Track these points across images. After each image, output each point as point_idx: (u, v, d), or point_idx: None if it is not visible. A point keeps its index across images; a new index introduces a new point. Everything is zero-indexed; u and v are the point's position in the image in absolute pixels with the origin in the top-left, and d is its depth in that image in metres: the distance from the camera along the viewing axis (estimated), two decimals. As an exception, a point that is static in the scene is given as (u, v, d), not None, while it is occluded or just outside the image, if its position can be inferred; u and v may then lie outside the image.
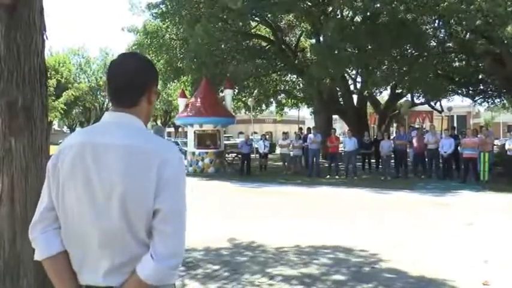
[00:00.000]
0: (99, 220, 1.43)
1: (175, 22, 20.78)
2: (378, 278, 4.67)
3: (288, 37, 25.05)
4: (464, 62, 21.96)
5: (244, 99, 28.61)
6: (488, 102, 27.32)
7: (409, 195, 11.24)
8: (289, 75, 27.40)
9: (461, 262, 5.23)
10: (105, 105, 43.60)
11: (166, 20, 21.20)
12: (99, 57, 45.48)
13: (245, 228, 7.12)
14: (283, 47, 23.20)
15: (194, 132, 18.32)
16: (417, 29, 16.55)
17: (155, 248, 1.40)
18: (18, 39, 2.66)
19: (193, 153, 18.19)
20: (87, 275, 1.47)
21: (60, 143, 1.63)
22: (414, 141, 15.41)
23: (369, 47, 17.65)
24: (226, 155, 20.03)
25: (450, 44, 19.86)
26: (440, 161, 14.88)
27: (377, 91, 26.50)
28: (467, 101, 32.23)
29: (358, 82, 23.84)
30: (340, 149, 17.95)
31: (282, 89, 28.30)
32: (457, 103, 36.52)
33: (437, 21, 18.29)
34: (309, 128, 19.94)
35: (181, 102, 19.66)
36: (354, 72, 23.66)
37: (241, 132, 38.63)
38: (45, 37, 2.85)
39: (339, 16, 19.48)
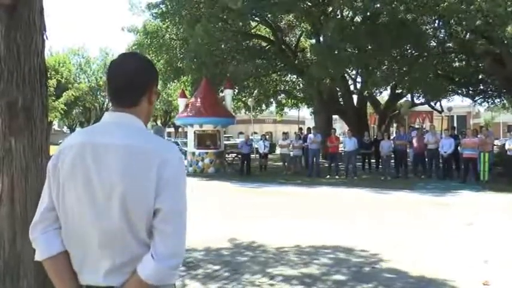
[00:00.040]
0: (99, 220, 1.43)
1: (175, 22, 20.79)
2: (378, 278, 4.67)
3: (288, 37, 25.06)
4: (464, 62, 21.96)
5: (244, 99, 28.62)
6: (488, 102, 27.32)
7: (409, 195, 11.24)
8: (289, 76, 27.41)
9: (461, 262, 5.23)
10: (105, 105, 43.60)
11: (166, 20, 21.20)
12: (99, 57, 45.51)
13: (245, 228, 7.12)
14: (283, 47, 23.20)
15: (194, 133, 18.32)
16: (417, 29, 16.56)
17: (156, 248, 1.40)
18: (18, 39, 2.67)
19: (193, 154, 18.19)
20: (88, 275, 1.47)
21: (60, 143, 1.63)
22: (414, 141, 15.41)
23: (369, 47, 17.65)
24: (226, 155, 20.03)
25: (450, 44, 19.86)
26: (440, 161, 14.88)
27: (377, 91, 26.50)
28: (467, 101, 32.28)
29: (358, 82, 23.85)
30: (340, 149, 17.95)
31: (282, 89, 28.30)
32: (457, 103, 36.55)
33: (437, 21, 18.29)
34: (309, 128, 19.94)
35: (181, 103, 19.66)
36: (354, 72, 23.66)
37: (241, 133, 38.63)
38: (45, 37, 2.85)
39: (339, 16, 19.47)
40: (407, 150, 15.90)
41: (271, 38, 23.40)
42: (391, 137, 18.05)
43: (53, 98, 23.93)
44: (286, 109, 34.02)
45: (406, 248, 5.89)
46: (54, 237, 1.51)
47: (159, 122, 47.15)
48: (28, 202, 2.66)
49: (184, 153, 17.90)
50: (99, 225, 1.43)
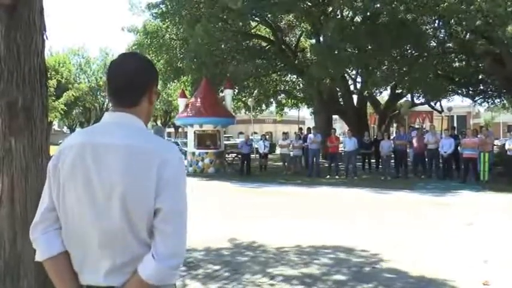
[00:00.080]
0: (99, 220, 1.43)
1: (175, 22, 20.79)
2: (378, 278, 4.67)
3: (288, 37, 25.06)
4: (464, 62, 21.97)
5: (244, 99, 28.62)
6: (488, 102, 27.32)
7: (409, 195, 11.24)
8: (289, 76, 27.41)
9: (461, 262, 5.23)
10: (105, 105, 43.61)
11: (166, 20, 21.20)
12: (99, 58, 45.54)
13: (245, 228, 7.12)
14: (283, 47, 23.20)
15: (194, 133, 18.32)
16: (417, 29, 16.56)
17: (156, 247, 1.40)
18: (18, 39, 2.67)
19: (193, 154, 18.19)
20: (88, 275, 1.47)
21: (60, 143, 1.63)
22: (414, 141, 15.42)
23: (369, 47, 17.65)
24: (226, 155, 20.04)
25: (450, 44, 19.86)
26: (440, 161, 14.88)
27: (377, 91, 26.51)
28: (467, 101, 32.28)
29: (358, 82, 23.85)
30: (340, 149, 17.95)
31: (282, 89, 28.30)
32: (457, 103, 36.57)
33: (437, 21, 18.29)
34: (309, 128, 19.95)
35: (181, 103, 19.66)
36: (354, 72, 23.66)
37: (241, 133, 38.63)
38: (45, 37, 2.85)
39: (339, 16, 19.47)
40: (407, 150, 15.90)
41: (271, 38, 23.40)
42: (391, 137, 18.06)
43: (53, 98, 23.94)
44: (286, 109, 34.02)
45: (406, 248, 5.89)
46: (54, 238, 1.51)
47: (159, 122, 47.16)
48: (28, 202, 2.66)
49: (184, 153, 17.90)
50: (99, 225, 1.43)
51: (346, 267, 5.03)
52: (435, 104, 28.11)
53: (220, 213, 8.63)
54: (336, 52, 16.50)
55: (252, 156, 19.69)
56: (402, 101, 26.13)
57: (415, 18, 16.44)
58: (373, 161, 17.40)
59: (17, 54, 2.66)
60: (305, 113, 47.10)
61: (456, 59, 22.23)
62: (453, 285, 4.44)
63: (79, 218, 1.46)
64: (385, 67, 20.08)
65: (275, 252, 5.70)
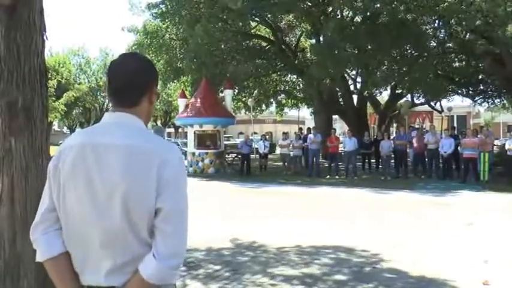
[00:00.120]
0: (100, 220, 1.43)
1: (175, 22, 20.79)
2: (379, 278, 4.67)
3: (288, 37, 25.06)
4: (464, 62, 21.97)
5: (244, 99, 28.62)
6: (488, 102, 27.32)
7: (409, 195, 11.24)
8: (289, 76, 27.42)
9: (461, 262, 5.23)
10: (105, 105, 43.61)
11: (166, 20, 21.20)
12: (99, 58, 45.54)
13: (246, 228, 7.12)
14: (283, 47, 23.20)
15: (194, 133, 18.32)
16: (417, 29, 16.56)
17: (157, 247, 1.41)
18: (18, 39, 2.67)
19: (193, 154, 18.18)
20: (89, 276, 1.47)
21: (61, 143, 1.63)
22: (414, 141, 15.42)
23: (369, 47, 17.66)
24: (226, 156, 20.04)
25: (450, 44, 19.87)
26: (440, 161, 14.88)
27: (377, 91, 26.51)
28: (467, 101, 32.29)
29: (358, 82, 23.86)
30: (340, 149, 17.95)
31: (282, 89, 28.30)
32: (457, 103, 36.57)
33: (437, 21, 18.30)
34: (309, 128, 19.95)
35: (181, 103, 19.66)
36: (353, 72, 23.67)
37: (241, 133, 38.62)
38: (45, 37, 2.85)
39: (339, 16, 19.48)
40: (407, 150, 15.90)
41: (271, 38, 23.40)
42: (391, 137, 18.06)
43: (53, 98, 23.96)
44: (286, 109, 34.02)
45: (406, 248, 5.89)
46: (55, 238, 1.51)
47: (159, 122, 47.16)
48: (28, 202, 2.66)
49: (185, 153, 17.90)
50: (100, 225, 1.43)
51: (347, 267, 5.03)
52: (435, 104, 28.12)
53: (221, 213, 8.63)
54: (336, 52, 16.49)
55: (252, 156, 19.69)
56: (402, 101, 26.13)
57: (415, 18, 16.45)
58: (373, 161, 17.39)
59: (17, 55, 2.66)
60: (305, 113, 47.15)
61: (456, 59, 22.23)
62: (453, 285, 4.44)
63: (79, 218, 1.46)
64: (385, 67, 20.08)
65: (275, 252, 5.70)
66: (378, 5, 15.79)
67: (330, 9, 19.55)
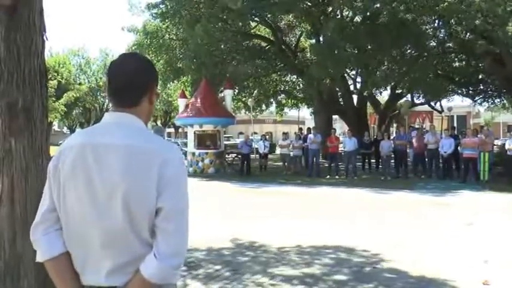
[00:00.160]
0: (100, 220, 1.43)
1: (175, 22, 20.79)
2: (379, 278, 4.68)
3: (287, 37, 25.05)
4: (464, 62, 21.97)
5: (244, 99, 28.63)
6: (488, 102, 27.32)
7: (409, 195, 11.24)
8: (289, 76, 27.42)
9: (461, 262, 5.24)
10: (105, 106, 43.62)
11: (166, 20, 21.20)
12: (99, 58, 45.56)
13: (246, 228, 7.12)
14: (283, 47, 23.20)
15: (194, 133, 18.32)
16: (417, 29, 16.55)
17: (158, 246, 1.41)
18: (18, 40, 2.67)
19: (193, 154, 18.19)
20: (90, 276, 1.47)
21: (60, 143, 1.63)
22: (414, 141, 15.42)
23: (369, 47, 17.65)
24: (226, 156, 20.04)
25: (450, 44, 19.86)
26: (440, 161, 14.89)
27: (377, 91, 26.51)
28: (467, 101, 32.29)
29: (358, 82, 23.85)
30: (340, 149, 17.95)
31: (282, 89, 28.31)
32: (457, 103, 36.57)
33: (437, 21, 18.28)
34: (309, 128, 19.95)
35: (181, 103, 19.67)
36: (353, 72, 23.66)
37: (241, 133, 38.61)
38: (45, 38, 2.85)
39: (339, 16, 19.48)
40: (407, 150, 15.90)
41: (271, 38, 23.40)
42: (391, 137, 18.06)
43: (53, 99, 23.96)
44: (286, 109, 34.03)
45: (406, 248, 5.89)
46: (55, 238, 1.51)
47: (159, 122, 47.15)
48: (28, 203, 2.66)
49: (185, 153, 17.90)
50: (100, 225, 1.43)
51: (347, 267, 5.03)
52: (435, 104, 28.13)
53: (221, 213, 8.63)
54: (336, 52, 16.50)
55: (252, 156, 19.69)
56: (402, 101, 26.13)
57: (415, 18, 16.42)
58: (373, 161, 17.39)
59: (17, 55, 2.66)
60: (305, 113, 47.19)
61: (456, 59, 22.23)
62: (453, 285, 4.45)
63: (80, 218, 1.46)
64: (385, 67, 20.08)
65: (276, 252, 5.71)
66: (378, 5, 15.78)
67: (330, 9, 19.55)
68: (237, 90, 24.45)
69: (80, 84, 40.14)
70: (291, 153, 17.67)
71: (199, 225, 6.25)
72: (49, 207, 1.53)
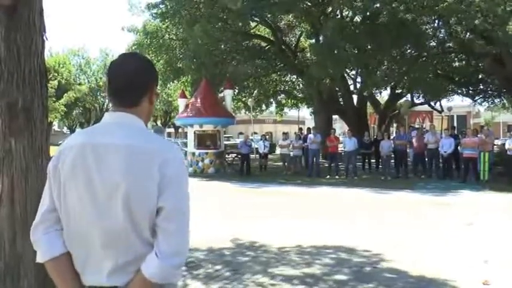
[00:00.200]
0: (101, 220, 1.43)
1: (175, 22, 20.79)
2: (379, 278, 4.68)
3: (287, 37, 25.05)
4: (464, 62, 21.98)
5: (244, 99, 28.63)
6: (488, 102, 27.35)
7: (409, 195, 11.24)
8: (289, 76, 27.43)
9: (461, 262, 5.23)
10: (105, 106, 43.63)
11: (166, 20, 21.20)
12: (99, 58, 45.60)
13: (246, 228, 7.12)
14: (283, 47, 23.20)
15: (194, 133, 18.32)
16: (417, 29, 16.55)
17: (159, 246, 1.41)
18: (18, 40, 2.67)
19: (193, 154, 18.18)
20: (91, 276, 1.47)
21: (61, 143, 1.63)
22: (414, 141, 15.42)
23: (369, 47, 17.66)
24: (226, 156, 20.04)
25: (450, 44, 19.87)
26: (440, 160, 14.88)
27: (377, 91, 26.53)
28: (467, 101, 32.33)
29: (358, 82, 23.85)
30: (340, 149, 17.96)
31: (282, 89, 28.32)
32: (457, 103, 36.61)
33: (437, 21, 18.29)
34: (308, 128, 19.95)
35: (181, 103, 19.67)
36: (353, 72, 23.67)
37: (241, 133, 38.60)
38: (45, 38, 2.85)
39: (339, 16, 19.48)
40: (407, 150, 15.90)
41: (271, 38, 23.40)
42: (391, 137, 18.06)
43: (54, 99, 23.98)
44: (286, 109, 34.04)
45: (407, 248, 5.89)
46: (56, 239, 1.51)
47: (159, 123, 47.17)
48: (28, 203, 2.66)
49: (185, 153, 17.89)
50: (101, 225, 1.43)
51: (347, 267, 5.03)
52: (435, 104, 28.14)
53: (221, 214, 8.63)
54: (336, 52, 16.49)
55: (252, 156, 19.69)
56: (402, 101, 26.15)
57: (415, 18, 16.42)
58: (373, 161, 17.39)
59: (17, 55, 2.66)
60: (305, 113, 47.19)
61: (456, 59, 22.24)
62: (453, 285, 4.44)
63: (80, 218, 1.46)
64: (384, 67, 20.08)
65: (276, 252, 5.70)
66: (378, 5, 15.79)
67: (330, 9, 19.55)
68: (237, 90, 24.46)
69: (80, 84, 40.19)
70: (291, 153, 17.67)
71: (199, 225, 6.25)
72: (49, 208, 1.52)
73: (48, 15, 2.89)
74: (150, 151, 1.45)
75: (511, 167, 13.33)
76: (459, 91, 26.03)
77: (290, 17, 22.97)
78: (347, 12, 19.90)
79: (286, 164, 17.88)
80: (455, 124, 32.30)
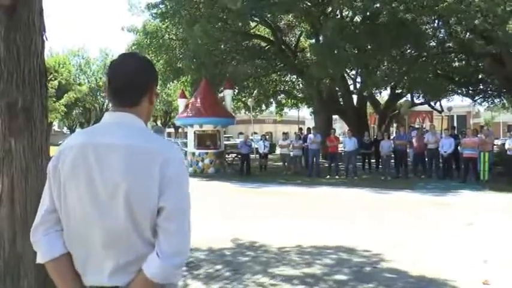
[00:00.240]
0: (102, 219, 1.43)
1: (175, 22, 20.79)
2: (379, 278, 4.68)
3: (287, 37, 25.05)
4: (464, 62, 21.98)
5: (244, 99, 28.62)
6: (488, 102, 27.34)
7: (409, 195, 11.24)
8: (289, 76, 27.43)
9: (461, 262, 5.23)
10: (105, 106, 43.64)
11: (166, 20, 21.20)
12: (99, 58, 45.60)
13: (246, 228, 7.12)
14: (283, 47, 23.20)
15: (194, 133, 18.32)
16: (417, 29, 16.55)
17: (160, 246, 1.41)
18: (18, 40, 2.67)
19: (193, 154, 18.18)
20: (92, 276, 1.47)
21: (60, 144, 1.63)
22: (414, 141, 15.42)
23: (369, 47, 17.66)
24: (226, 156, 20.04)
25: (450, 44, 19.87)
26: (440, 160, 14.88)
27: (377, 91, 26.53)
28: (467, 101, 32.32)
29: (358, 82, 23.85)
30: (340, 149, 17.96)
31: (282, 89, 28.31)
32: (457, 103, 36.61)
33: (436, 21, 18.29)
34: (308, 128, 19.95)
35: (181, 103, 19.67)
36: (353, 72, 23.67)
37: (241, 133, 38.59)
38: (44, 38, 2.85)
39: (339, 16, 19.48)
40: (407, 150, 15.90)
41: (271, 38, 23.40)
42: (391, 137, 18.06)
43: (54, 99, 23.98)
44: (286, 109, 34.04)
45: (407, 248, 5.89)
46: (56, 239, 1.50)
47: (159, 122, 47.17)
48: (28, 203, 2.66)
49: (185, 153, 17.89)
50: (102, 225, 1.43)
51: (347, 267, 5.03)
52: (435, 104, 28.14)
53: (221, 213, 8.63)
54: (336, 52, 16.49)
55: (252, 156, 19.69)
56: (402, 101, 26.15)
57: (415, 18, 16.43)
58: (373, 161, 17.39)
59: (16, 55, 2.66)
60: (305, 113, 47.20)
61: (456, 59, 22.25)
62: (453, 285, 4.44)
63: (81, 218, 1.46)
64: (384, 67, 20.09)
65: (276, 252, 5.70)
66: (378, 5, 15.79)
67: (330, 9, 19.56)
68: (237, 90, 24.45)
69: (80, 84, 40.18)
70: (291, 153, 17.67)
71: (199, 225, 6.21)
72: (49, 208, 1.52)
73: (48, 15, 2.90)
74: (150, 151, 1.45)
75: (511, 167, 13.33)
76: (459, 91, 26.03)
77: (290, 17, 22.97)
78: (347, 12, 19.90)
79: (286, 164, 17.88)
80: (455, 124, 32.31)
